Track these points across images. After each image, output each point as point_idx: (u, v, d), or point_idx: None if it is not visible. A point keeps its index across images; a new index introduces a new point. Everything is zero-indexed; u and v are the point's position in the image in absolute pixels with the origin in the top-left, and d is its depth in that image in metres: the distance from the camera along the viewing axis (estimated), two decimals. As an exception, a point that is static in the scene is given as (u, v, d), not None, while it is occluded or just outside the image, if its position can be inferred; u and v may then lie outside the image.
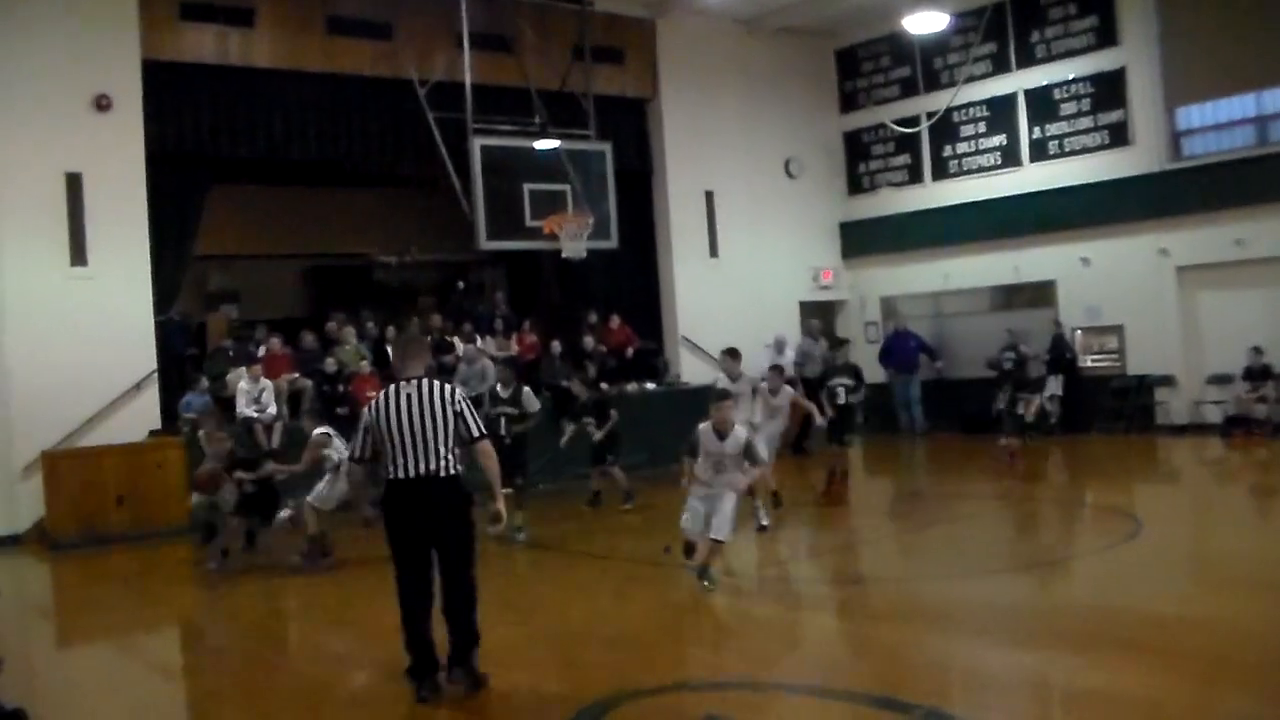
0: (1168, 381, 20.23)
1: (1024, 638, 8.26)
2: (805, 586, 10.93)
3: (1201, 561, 11.10)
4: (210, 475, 12.60)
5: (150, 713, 8.14)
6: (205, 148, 17.62)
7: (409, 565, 7.22)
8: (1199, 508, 14.46)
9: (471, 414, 7.25)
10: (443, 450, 7.09)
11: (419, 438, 7.08)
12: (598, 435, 15.57)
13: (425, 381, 7.25)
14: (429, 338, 18.99)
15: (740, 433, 10.14)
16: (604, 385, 19.18)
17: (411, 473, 7.06)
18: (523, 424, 13.76)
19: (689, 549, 10.56)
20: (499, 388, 14.01)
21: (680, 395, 20.48)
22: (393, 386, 7.28)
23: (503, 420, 13.54)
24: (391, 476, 7.13)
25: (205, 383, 16.64)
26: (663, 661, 8.18)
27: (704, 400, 17.67)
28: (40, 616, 11.61)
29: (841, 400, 15.49)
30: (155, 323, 16.83)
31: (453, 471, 7.13)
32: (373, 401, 7.32)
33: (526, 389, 14.07)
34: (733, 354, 14.03)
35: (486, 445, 7.30)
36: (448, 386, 7.29)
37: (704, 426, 10.10)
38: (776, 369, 15.00)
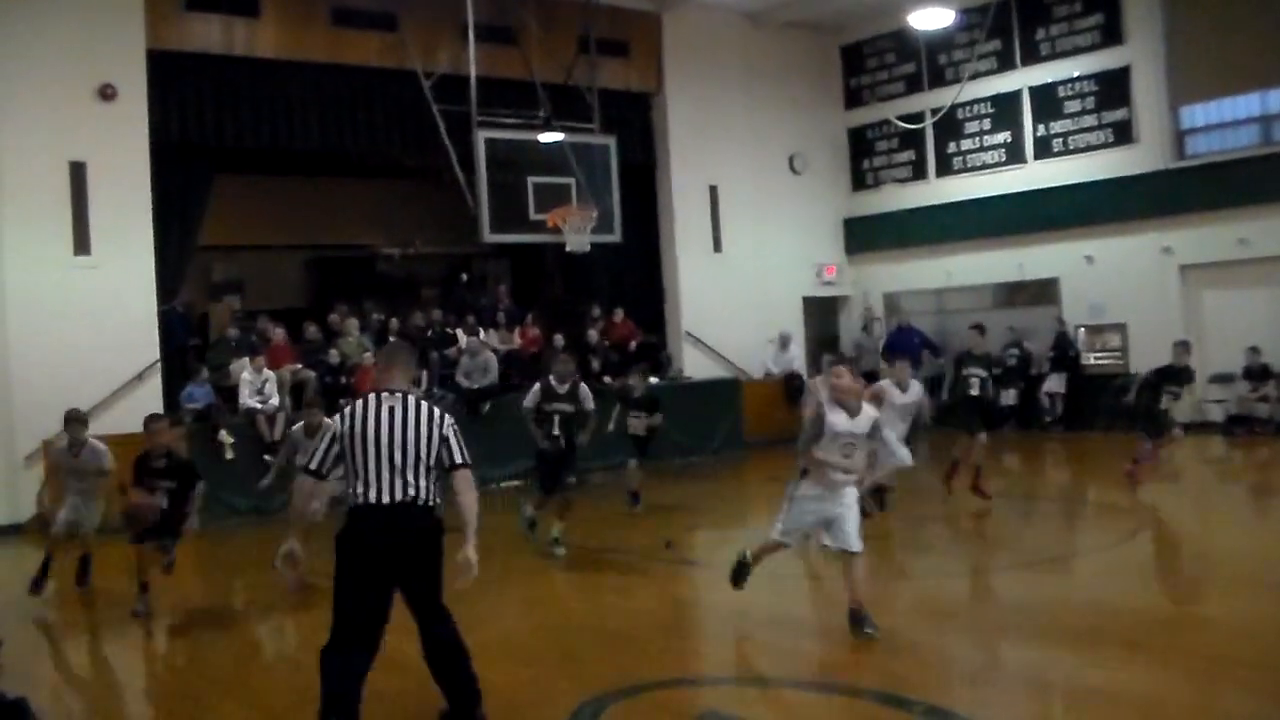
0: (1170, 380, 20.19)
1: (1025, 635, 8.27)
2: (805, 581, 10.92)
3: (1203, 560, 11.10)
4: (143, 507, 10.32)
5: (151, 702, 8.15)
6: (209, 138, 17.63)
7: (360, 608, 6.08)
8: (1201, 506, 14.46)
9: (458, 440, 6.33)
10: (423, 476, 6.16)
11: (397, 459, 6.12)
12: (645, 427, 14.75)
13: (411, 398, 6.34)
14: (427, 338, 19.01)
15: (870, 409, 8.51)
16: (606, 379, 19.25)
17: (385, 498, 6.07)
18: (581, 425, 12.48)
19: (742, 570, 8.86)
20: (554, 382, 12.46)
21: (683, 390, 20.50)
22: (372, 396, 6.33)
23: (556, 419, 12.28)
24: (359, 501, 6.12)
25: (205, 373, 16.66)
26: (664, 656, 8.18)
27: (707, 394, 17.75)
28: (42, 606, 11.61)
29: (975, 391, 13.99)
30: (158, 312, 16.85)
31: (431, 502, 6.19)
32: (346, 409, 6.37)
33: (584, 386, 12.62)
34: (842, 360, 13.14)
35: (468, 474, 6.33)
36: (436, 408, 6.38)
37: (829, 406, 8.44)
38: (903, 356, 13.48)
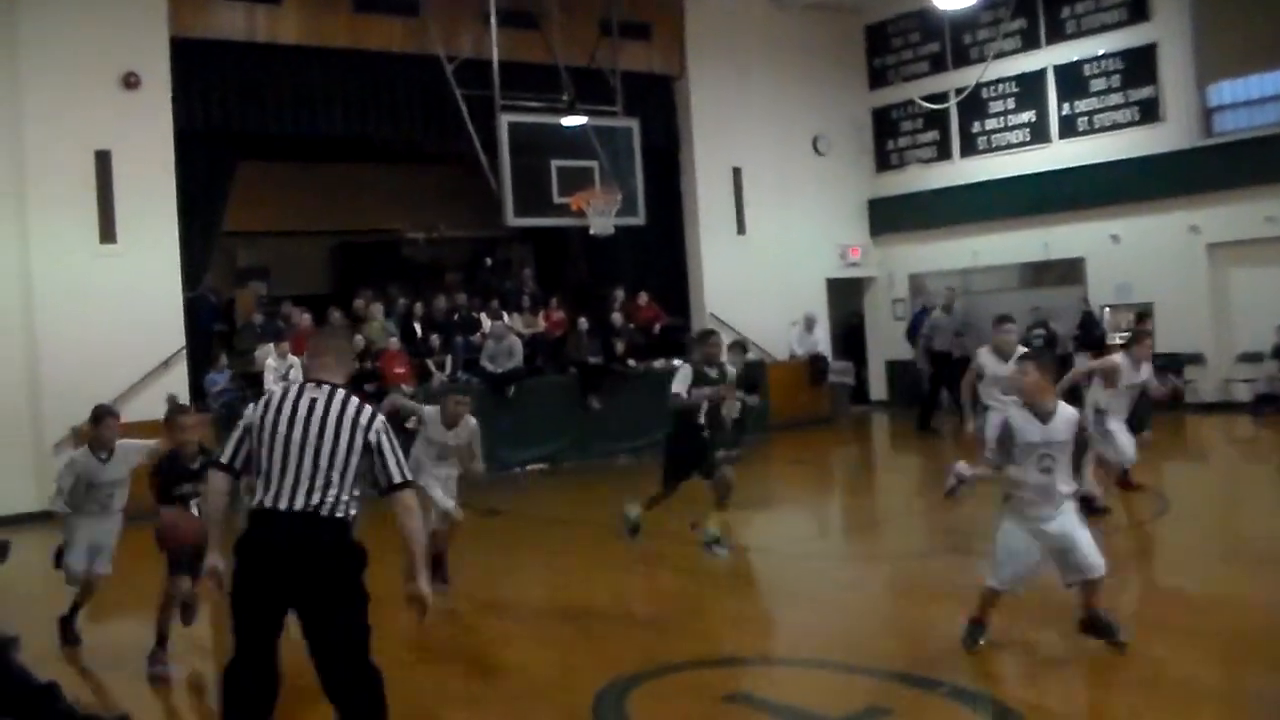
0: (1197, 360, 20.07)
1: (1050, 615, 8.24)
2: (831, 563, 10.92)
3: (1230, 540, 11.05)
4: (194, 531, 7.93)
5: (178, 686, 8.21)
6: (233, 125, 17.68)
7: (252, 637, 5.22)
8: (1227, 486, 14.39)
9: (395, 452, 5.31)
10: (334, 484, 5.15)
11: (307, 459, 5.17)
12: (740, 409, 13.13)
13: (340, 393, 5.35)
14: (452, 322, 19.02)
15: (1067, 409, 7.17)
16: (631, 362, 19.28)
17: (283, 503, 5.13)
18: (730, 409, 11.11)
19: (979, 623, 7.34)
20: (704, 366, 10.89)
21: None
22: (295, 386, 5.48)
23: (704, 406, 10.80)
24: (257, 504, 5.21)
25: (225, 359, 16.76)
26: (688, 638, 8.19)
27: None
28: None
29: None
30: (186, 299, 16.96)
31: (340, 514, 5.17)
32: (264, 397, 5.52)
33: (732, 370, 11.21)
34: (1005, 320, 11.46)
35: (409, 496, 5.31)
36: (368, 408, 5.37)
37: (1013, 409, 7.24)
38: (1142, 320, 11.56)
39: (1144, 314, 11.43)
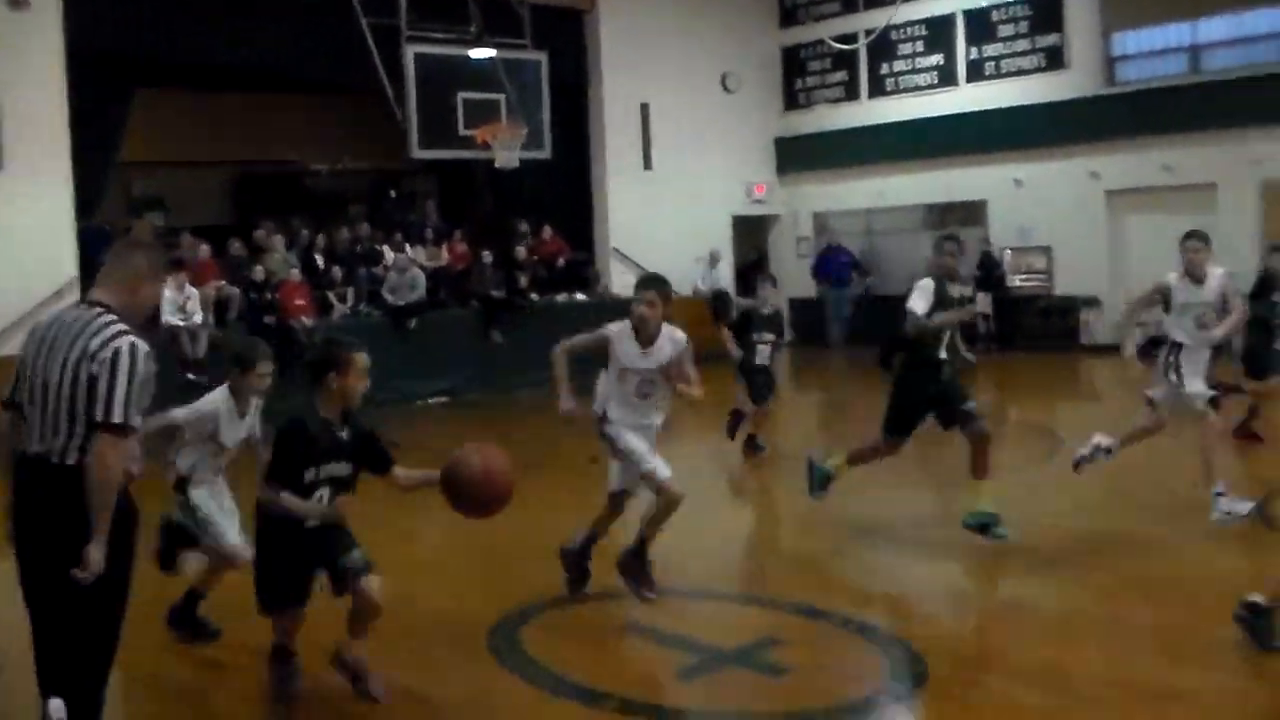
0: (1093, 303, 20.46)
1: (942, 551, 8.39)
2: (730, 499, 11.01)
3: (1118, 479, 11.29)
4: None
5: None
6: (129, 50, 17.17)
7: (29, 600, 4.45)
8: (1118, 426, 14.65)
9: (113, 386, 4.22)
10: (63, 427, 4.28)
11: (42, 395, 4.34)
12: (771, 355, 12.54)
13: (95, 312, 4.38)
14: (354, 254, 18.78)
15: None
16: (534, 296, 19.23)
17: (27, 446, 4.38)
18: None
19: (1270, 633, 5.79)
20: (948, 283, 8.50)
21: (610, 306, 20.49)
22: (61, 309, 4.70)
23: (947, 334, 8.58)
24: (24, 449, 4.43)
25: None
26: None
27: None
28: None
29: None
30: (77, 229, 16.54)
31: (72, 462, 4.28)
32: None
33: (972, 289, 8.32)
34: (1193, 236, 9.50)
35: (108, 440, 4.23)
36: (111, 331, 4.30)
37: None
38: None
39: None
